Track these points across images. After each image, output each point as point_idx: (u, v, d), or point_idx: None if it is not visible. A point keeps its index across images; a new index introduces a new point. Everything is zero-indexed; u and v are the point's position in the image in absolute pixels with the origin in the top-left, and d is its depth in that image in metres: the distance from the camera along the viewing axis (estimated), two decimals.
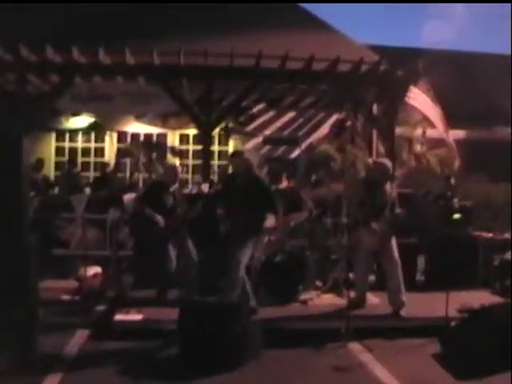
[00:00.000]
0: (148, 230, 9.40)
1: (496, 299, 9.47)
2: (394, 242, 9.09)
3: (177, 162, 16.51)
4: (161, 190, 9.66)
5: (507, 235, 12.30)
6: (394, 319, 8.79)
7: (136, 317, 8.31)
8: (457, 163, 12.85)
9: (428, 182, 13.59)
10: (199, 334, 6.90)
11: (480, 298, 9.09)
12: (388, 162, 9.48)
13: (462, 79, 19.10)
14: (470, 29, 36.85)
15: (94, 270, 10.76)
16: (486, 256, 11.36)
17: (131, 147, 16.45)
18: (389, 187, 9.20)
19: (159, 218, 9.27)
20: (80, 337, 7.99)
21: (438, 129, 12.77)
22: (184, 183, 13.22)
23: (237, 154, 9.78)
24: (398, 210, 9.19)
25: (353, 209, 9.55)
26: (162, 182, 10.09)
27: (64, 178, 14.83)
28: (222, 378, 6.62)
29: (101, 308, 9.04)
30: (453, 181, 12.23)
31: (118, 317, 8.29)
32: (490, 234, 12.22)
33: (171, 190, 9.65)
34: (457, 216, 11.28)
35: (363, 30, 57.82)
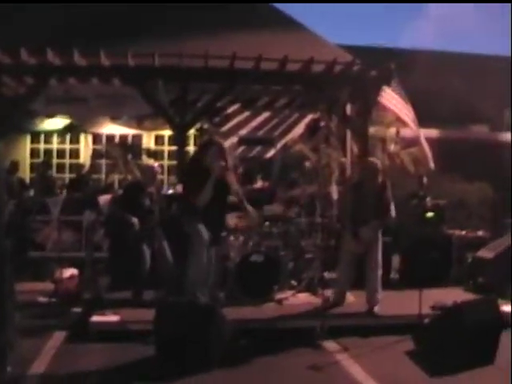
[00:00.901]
0: (123, 232, 9.43)
1: (469, 296, 9.57)
2: (379, 244, 9.22)
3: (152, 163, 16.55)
4: (138, 190, 9.70)
5: (480, 233, 12.46)
6: (369, 317, 8.87)
7: (112, 318, 8.33)
8: (431, 162, 12.94)
9: (401, 181, 13.69)
10: (175, 334, 6.94)
11: (453, 295, 9.20)
12: (377, 161, 9.63)
13: (436, 79, 19.20)
14: (448, 29, 36.97)
15: (70, 271, 10.75)
16: (459, 254, 11.49)
17: (107, 149, 16.42)
18: (380, 188, 9.32)
19: (134, 220, 9.30)
20: (57, 339, 8.01)
21: (411, 128, 12.86)
22: (160, 184, 13.25)
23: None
24: (392, 212, 9.26)
25: (342, 213, 9.70)
26: (139, 182, 10.14)
27: (38, 180, 14.76)
28: (198, 378, 6.67)
29: (77, 310, 9.06)
30: (425, 180, 12.35)
31: (95, 318, 8.30)
32: (464, 232, 12.36)
33: (149, 190, 9.70)
34: (430, 215, 11.39)
35: (338, 31, 58.01)
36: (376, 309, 9.02)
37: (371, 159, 9.97)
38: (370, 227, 9.02)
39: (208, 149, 9.01)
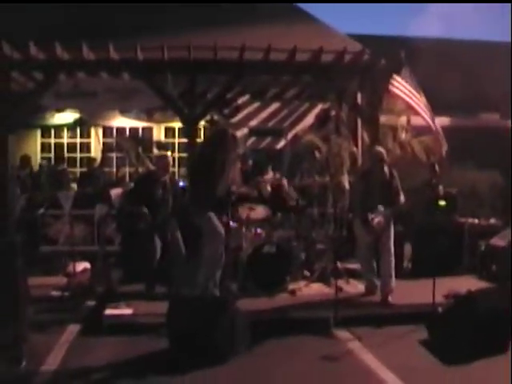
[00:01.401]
0: (134, 225, 9.44)
1: (482, 284, 9.56)
2: (391, 231, 9.27)
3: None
4: (151, 181, 9.72)
5: (492, 221, 12.41)
6: (382, 307, 8.87)
7: (125, 311, 8.35)
8: (444, 150, 12.88)
9: (413, 169, 13.64)
10: (188, 327, 6.95)
11: (466, 283, 9.19)
12: (382, 150, 9.65)
13: (447, 67, 19.11)
14: (457, 16, 36.78)
15: (83, 265, 10.80)
16: (472, 242, 11.46)
17: (117, 142, 16.43)
18: (388, 176, 9.34)
19: (145, 211, 9.31)
20: (70, 332, 8.03)
21: (423, 116, 12.79)
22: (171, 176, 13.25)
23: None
24: (402, 200, 9.33)
25: (352, 202, 9.74)
26: (152, 173, 10.16)
27: (48, 175, 14.78)
28: (212, 370, 6.68)
29: (90, 303, 9.08)
30: (437, 168, 12.31)
31: (108, 312, 8.32)
32: (476, 221, 12.31)
33: (162, 180, 9.69)
34: (442, 203, 11.35)
35: (347, 20, 57.77)
36: (390, 298, 9.03)
37: (377, 148, 9.95)
38: (380, 215, 9.02)
39: (221, 138, 8.95)
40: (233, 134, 9.18)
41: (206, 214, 8.57)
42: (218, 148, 8.79)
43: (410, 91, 12.36)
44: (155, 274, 9.30)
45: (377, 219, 9.01)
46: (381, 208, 9.05)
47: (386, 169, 9.40)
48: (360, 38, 15.47)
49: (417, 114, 12.86)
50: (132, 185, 11.43)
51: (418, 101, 12.49)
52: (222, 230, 8.58)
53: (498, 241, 11.07)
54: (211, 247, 8.51)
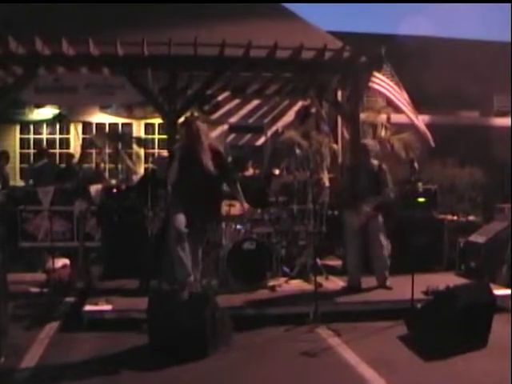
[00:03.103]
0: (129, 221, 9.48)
1: (461, 281, 9.59)
2: (379, 221, 9.42)
3: (142, 151, 16.56)
4: (153, 180, 9.71)
5: (471, 218, 12.48)
6: (362, 303, 8.90)
7: (105, 307, 8.31)
8: (431, 141, 12.96)
9: (393, 166, 13.70)
10: (168, 322, 6.95)
11: (445, 279, 9.20)
12: (369, 143, 9.75)
13: (426, 64, 19.20)
14: (438, 14, 37.03)
15: (63, 261, 10.77)
16: (451, 239, 11.51)
17: (97, 138, 16.38)
18: (374, 167, 9.46)
19: (147, 209, 9.34)
20: (50, 329, 8.00)
21: (406, 113, 12.83)
22: None
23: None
24: (388, 191, 9.44)
25: (341, 193, 9.83)
26: (153, 173, 10.20)
27: (31, 170, 14.71)
28: (192, 365, 6.67)
29: (70, 299, 9.07)
30: (416, 165, 12.35)
31: (88, 308, 8.28)
32: (455, 217, 12.37)
33: (162, 180, 9.66)
34: (421, 199, 11.40)
35: (330, 17, 57.87)
36: (388, 283, 9.40)
37: (364, 141, 10.05)
38: (368, 202, 9.20)
39: (185, 129, 8.89)
40: (194, 122, 9.06)
41: (172, 209, 8.53)
42: (183, 138, 8.77)
43: (391, 87, 12.41)
44: (150, 269, 9.24)
45: (366, 207, 9.10)
46: (369, 198, 9.15)
47: (372, 161, 9.55)
48: (341, 36, 15.48)
49: (398, 109, 12.91)
50: (138, 181, 11.50)
51: (400, 96, 12.54)
52: (180, 225, 8.45)
53: (477, 237, 11.12)
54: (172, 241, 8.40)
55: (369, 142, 9.98)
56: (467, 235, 11.37)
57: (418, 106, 13.21)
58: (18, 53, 11.62)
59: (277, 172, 11.93)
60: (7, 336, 7.03)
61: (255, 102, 16.86)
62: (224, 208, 9.85)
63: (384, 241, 9.45)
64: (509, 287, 9.35)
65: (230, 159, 12.58)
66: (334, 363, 6.85)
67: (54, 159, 16.42)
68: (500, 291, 8.94)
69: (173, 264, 8.44)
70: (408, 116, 12.73)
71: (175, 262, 8.26)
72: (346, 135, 13.45)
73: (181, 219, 8.28)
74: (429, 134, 12.80)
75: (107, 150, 15.78)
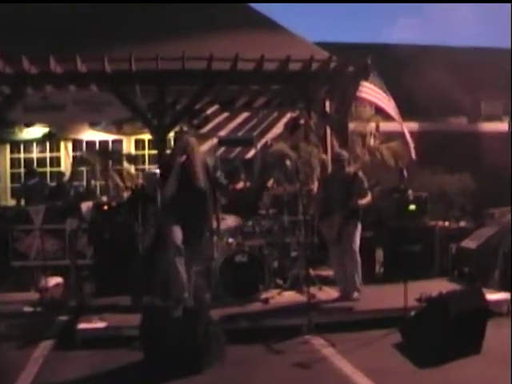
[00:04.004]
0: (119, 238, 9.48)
1: (454, 287, 9.60)
2: (354, 232, 9.27)
3: (132, 168, 16.56)
4: (142, 197, 9.70)
5: (462, 224, 12.51)
6: (355, 312, 8.89)
7: (99, 325, 8.29)
8: (413, 153, 13.01)
9: (382, 175, 13.75)
10: (162, 338, 6.94)
11: (438, 286, 9.19)
12: (342, 152, 9.75)
13: (414, 72, 19.28)
14: (426, 23, 37.31)
15: (55, 280, 10.74)
16: (443, 245, 11.54)
17: (87, 155, 16.38)
18: (349, 176, 9.41)
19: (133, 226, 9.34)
20: (44, 347, 7.97)
21: (396, 120, 12.91)
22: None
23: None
24: (363, 200, 9.29)
25: (314, 204, 9.82)
26: (143, 189, 10.18)
27: (22, 189, 14.70)
28: (187, 380, 6.67)
29: (63, 318, 9.04)
30: (406, 173, 12.39)
31: (81, 325, 8.26)
32: (446, 224, 12.40)
33: (151, 197, 9.65)
34: (412, 207, 11.44)
35: (317, 29, 58.13)
36: (355, 295, 9.20)
37: (338, 150, 10.08)
38: (337, 213, 9.13)
39: (175, 142, 8.93)
40: (187, 136, 9.07)
41: (166, 223, 8.51)
42: (174, 151, 8.80)
43: (380, 94, 12.47)
44: (141, 285, 9.23)
45: (335, 219, 9.09)
46: (340, 208, 9.14)
47: (346, 169, 9.57)
48: (329, 47, 15.53)
49: (388, 115, 12.97)
50: (127, 198, 11.51)
51: (388, 104, 12.61)
52: (179, 239, 8.42)
53: (469, 243, 11.16)
54: (170, 256, 8.39)
55: (342, 151, 9.94)
56: (459, 241, 11.40)
57: (407, 114, 13.28)
58: (5, 72, 11.62)
59: (268, 184, 11.95)
60: (1, 356, 7.02)
61: (244, 115, 16.89)
62: (215, 221, 9.86)
63: (354, 252, 9.25)
64: (501, 291, 9.37)
65: (219, 173, 12.60)
66: (329, 374, 6.85)
67: (45, 178, 16.39)
68: (493, 296, 8.97)
69: (166, 279, 8.44)
70: (399, 123, 12.80)
71: (172, 277, 8.24)
72: (336, 145, 13.46)
73: (178, 234, 8.28)
74: (412, 146, 12.87)
75: (98, 168, 15.77)
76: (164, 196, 8.49)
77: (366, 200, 9.32)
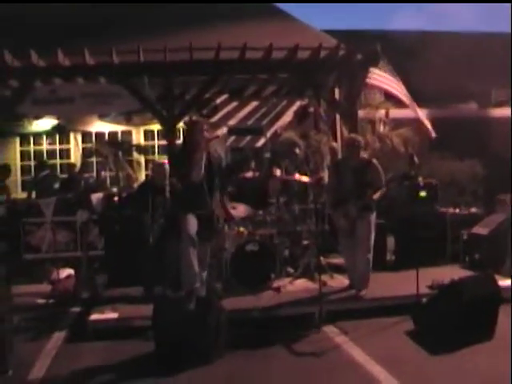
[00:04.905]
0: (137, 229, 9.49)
1: (466, 273, 9.60)
2: (369, 222, 9.08)
3: (142, 158, 16.60)
4: (151, 188, 9.70)
5: (473, 210, 12.47)
6: (367, 300, 8.88)
7: (111, 316, 8.32)
8: (432, 132, 12.99)
9: (392, 162, 13.72)
10: (174, 328, 6.95)
11: (450, 273, 9.21)
12: (357, 137, 9.62)
13: (423, 59, 19.22)
14: (434, 8, 37.16)
15: (67, 272, 10.77)
16: (454, 232, 11.51)
17: (96, 147, 16.41)
18: (363, 163, 9.28)
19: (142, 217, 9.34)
20: (57, 339, 8.01)
21: (408, 105, 12.87)
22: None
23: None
24: (378, 193, 9.07)
25: (327, 193, 9.75)
26: (152, 180, 10.19)
27: (33, 182, 14.72)
28: (200, 371, 6.68)
29: (76, 309, 9.08)
30: (416, 159, 12.34)
31: (93, 317, 8.29)
32: (457, 210, 12.37)
33: (160, 187, 9.63)
34: (423, 194, 11.41)
35: (326, 16, 57.98)
36: (363, 292, 9.02)
37: (352, 135, 9.97)
38: (351, 204, 8.98)
39: (186, 129, 8.91)
40: (194, 120, 9.05)
41: (183, 214, 8.47)
42: (185, 138, 8.82)
43: (390, 80, 12.44)
44: (153, 276, 9.23)
45: (350, 209, 9.00)
46: (353, 197, 9.00)
47: (362, 156, 9.41)
48: (337, 34, 15.47)
49: (397, 102, 12.93)
50: (133, 191, 11.50)
51: (399, 89, 12.58)
52: (192, 230, 8.40)
53: (480, 229, 11.14)
54: (186, 245, 8.36)
55: (356, 136, 9.71)
56: (470, 227, 11.38)
57: (416, 100, 13.24)
58: (13, 66, 11.63)
59: (277, 173, 11.91)
60: (14, 348, 7.05)
61: (253, 104, 16.83)
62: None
63: (367, 246, 9.03)
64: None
65: (227, 161, 12.58)
66: (343, 362, 6.87)
67: (55, 170, 16.42)
68: (505, 282, 8.96)
69: (178, 270, 8.45)
70: (411, 108, 12.77)
71: (184, 267, 8.23)
72: (346, 133, 13.42)
73: (192, 224, 8.25)
74: (430, 126, 12.84)
75: (111, 158, 15.79)
76: (193, 178, 8.33)
77: (380, 193, 9.11)
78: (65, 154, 17.25)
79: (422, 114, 13.04)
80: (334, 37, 14.39)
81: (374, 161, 9.35)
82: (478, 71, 19.48)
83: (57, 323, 8.57)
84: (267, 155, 14.54)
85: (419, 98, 13.68)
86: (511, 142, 16.61)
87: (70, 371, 6.85)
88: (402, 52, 17.27)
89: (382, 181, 9.21)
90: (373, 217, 9.14)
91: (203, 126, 8.53)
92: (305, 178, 10.73)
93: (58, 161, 17.15)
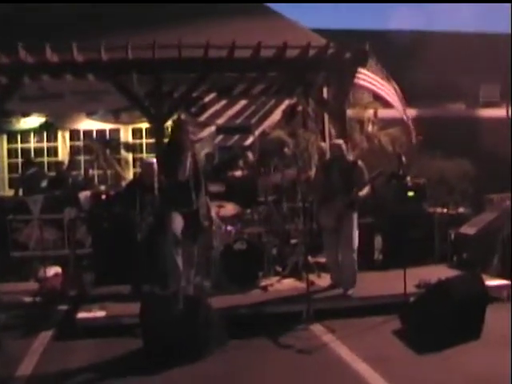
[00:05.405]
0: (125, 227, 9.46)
1: (453, 273, 9.62)
2: (352, 221, 9.10)
3: (130, 156, 16.55)
4: (139, 187, 9.67)
5: (461, 210, 12.51)
6: (354, 299, 8.89)
7: (99, 314, 8.30)
8: (414, 138, 13.03)
9: (380, 162, 13.73)
10: (162, 326, 6.94)
11: (437, 272, 9.24)
12: (340, 142, 9.65)
13: (412, 59, 19.27)
14: (424, 8, 37.26)
15: (54, 270, 10.73)
16: (442, 231, 11.54)
17: (84, 144, 16.36)
18: (348, 164, 9.34)
19: (130, 215, 9.31)
20: (44, 337, 7.98)
21: (396, 107, 12.88)
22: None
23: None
24: (363, 192, 9.07)
25: (312, 191, 9.75)
26: (140, 179, 10.15)
27: (20, 179, 14.67)
28: (187, 368, 6.67)
29: (63, 307, 9.04)
30: (404, 159, 12.36)
31: (81, 315, 8.27)
32: (445, 210, 12.40)
33: (149, 185, 9.60)
34: (411, 193, 11.44)
35: (315, 15, 57.89)
36: (351, 291, 9.02)
37: (336, 141, 9.99)
38: (337, 201, 8.99)
39: (173, 127, 8.93)
40: (181, 119, 9.06)
41: (169, 212, 8.48)
42: (171, 136, 8.84)
43: (378, 81, 12.44)
44: (140, 274, 9.21)
45: (334, 206, 9.00)
46: (340, 195, 9.02)
47: (346, 158, 9.47)
48: (326, 33, 15.46)
49: (388, 105, 12.95)
50: (122, 189, 11.47)
51: (388, 90, 12.58)
52: (177, 229, 8.43)
53: (468, 229, 11.18)
54: (169, 244, 8.37)
55: (340, 142, 9.67)
56: (458, 227, 11.41)
57: (406, 99, 13.27)
58: (1, 62, 11.58)
59: (263, 172, 11.92)
60: (1, 346, 7.02)
61: (242, 103, 16.81)
62: (214, 209, 9.85)
63: (352, 245, 9.05)
64: (500, 277, 9.39)
65: (215, 160, 12.59)
66: (329, 360, 6.87)
67: (43, 167, 16.35)
68: (493, 282, 8.99)
69: (165, 268, 8.45)
70: (397, 109, 12.78)
71: (169, 267, 8.24)
72: (334, 132, 13.44)
73: (178, 223, 8.26)
74: (413, 132, 12.88)
75: (101, 156, 15.74)
76: (180, 177, 8.36)
77: (365, 191, 9.13)
78: (52, 151, 17.15)
79: (408, 115, 13.04)
80: (324, 36, 14.39)
81: (360, 162, 9.41)
82: (467, 70, 19.53)
83: (44, 321, 8.54)
84: (256, 154, 14.52)
85: (408, 98, 13.71)
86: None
87: (58, 369, 6.82)
88: (391, 51, 17.31)
89: (367, 181, 9.22)
90: (355, 215, 9.16)
91: (188, 125, 8.56)
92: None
93: (45, 158, 17.05)
